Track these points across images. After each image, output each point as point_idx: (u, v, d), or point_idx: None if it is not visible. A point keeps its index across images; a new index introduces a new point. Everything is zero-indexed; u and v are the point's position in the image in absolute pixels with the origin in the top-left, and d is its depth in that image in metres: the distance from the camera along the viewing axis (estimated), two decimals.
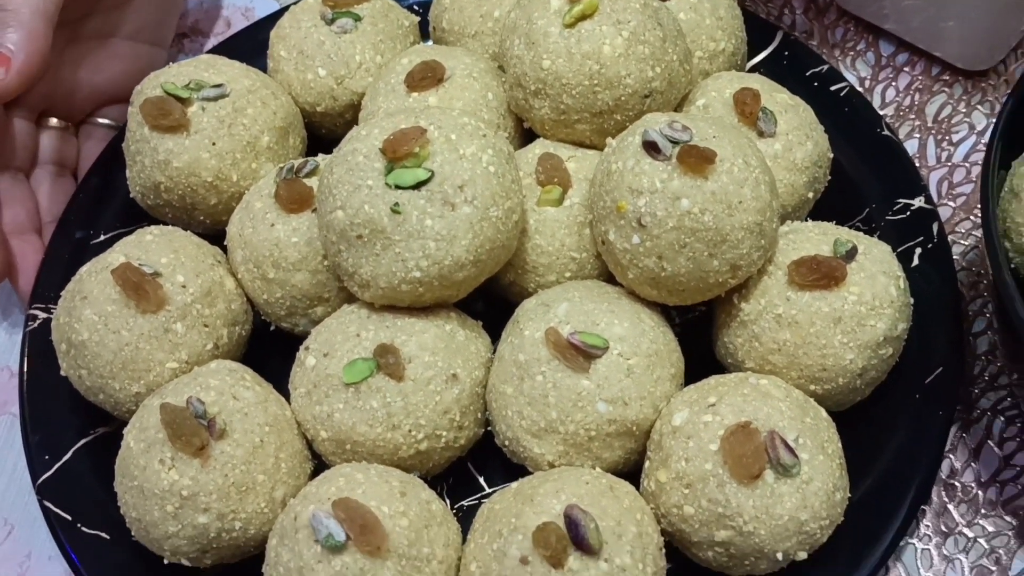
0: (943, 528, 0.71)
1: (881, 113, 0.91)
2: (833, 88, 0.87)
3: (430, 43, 0.90)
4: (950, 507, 0.72)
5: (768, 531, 0.61)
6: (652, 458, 0.65)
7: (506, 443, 0.69)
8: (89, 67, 0.91)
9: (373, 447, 0.67)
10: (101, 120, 0.94)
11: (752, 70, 0.89)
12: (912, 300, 0.70)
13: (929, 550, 0.70)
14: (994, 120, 0.73)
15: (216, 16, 1.05)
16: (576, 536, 0.59)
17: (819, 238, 0.69)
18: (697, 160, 0.63)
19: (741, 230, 0.64)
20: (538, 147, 0.76)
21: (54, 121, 0.91)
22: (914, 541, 0.71)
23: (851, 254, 0.68)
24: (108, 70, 0.92)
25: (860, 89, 0.93)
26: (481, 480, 0.75)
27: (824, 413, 0.65)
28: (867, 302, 0.66)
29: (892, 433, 0.71)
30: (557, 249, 0.72)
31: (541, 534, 0.58)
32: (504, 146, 0.70)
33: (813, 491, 0.61)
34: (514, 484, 0.65)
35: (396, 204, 0.65)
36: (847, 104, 0.86)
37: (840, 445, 0.65)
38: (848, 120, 0.85)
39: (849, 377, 0.67)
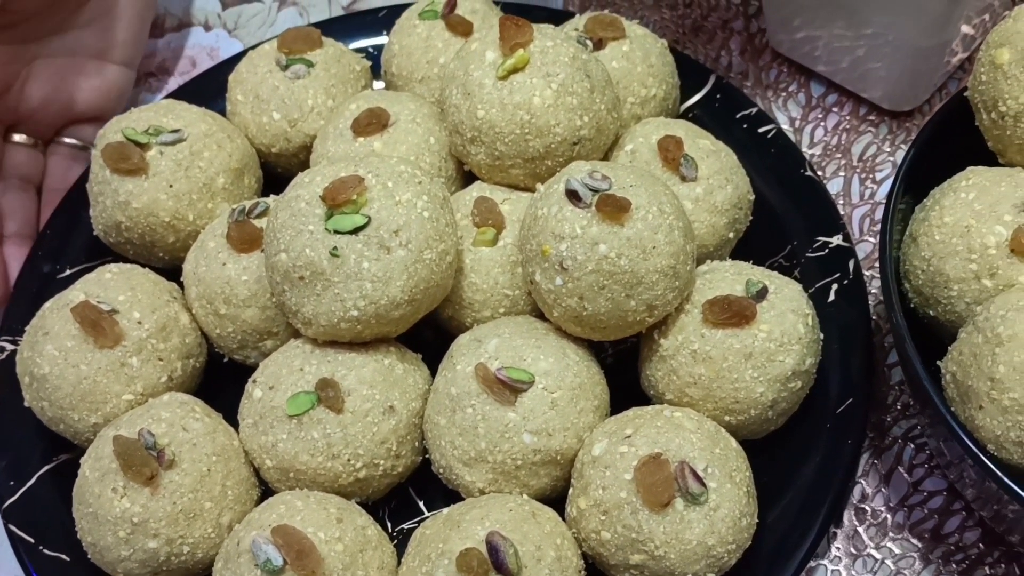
0: (852, 550, 0.76)
1: (809, 152, 0.96)
2: (761, 130, 0.91)
3: (382, 84, 0.95)
4: (860, 530, 0.76)
5: (678, 555, 0.65)
6: (575, 486, 0.70)
7: (441, 471, 0.73)
8: (56, 84, 0.94)
9: (315, 475, 0.71)
10: (67, 140, 0.98)
11: (687, 111, 0.94)
12: (822, 336, 0.75)
13: (839, 571, 0.75)
14: None
15: (182, 56, 1.10)
16: (496, 561, 0.63)
17: (733, 278, 0.74)
18: (613, 208, 0.68)
19: (655, 273, 0.69)
20: (475, 190, 0.80)
21: (20, 137, 0.95)
22: (825, 562, 0.76)
23: (761, 294, 0.72)
24: (76, 88, 0.95)
25: (791, 129, 0.98)
26: (421, 504, 0.79)
27: (734, 443, 0.70)
28: (776, 339, 0.71)
29: (804, 460, 0.75)
30: (491, 287, 0.77)
31: (464, 559, 0.63)
32: (439, 191, 0.74)
33: (720, 517, 0.66)
34: (446, 510, 0.70)
35: (335, 248, 0.69)
36: (773, 145, 0.90)
37: (749, 473, 0.70)
38: (774, 161, 0.89)
39: (760, 409, 0.72)
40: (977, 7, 0.86)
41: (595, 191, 0.69)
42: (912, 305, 0.72)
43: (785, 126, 0.98)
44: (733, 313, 0.71)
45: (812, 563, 0.75)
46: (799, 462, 0.76)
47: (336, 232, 0.70)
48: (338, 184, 0.71)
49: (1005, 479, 0.59)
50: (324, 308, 0.71)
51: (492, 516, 0.66)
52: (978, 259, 0.66)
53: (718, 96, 0.94)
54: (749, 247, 0.85)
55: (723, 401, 0.72)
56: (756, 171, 0.88)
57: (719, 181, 0.79)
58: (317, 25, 1.02)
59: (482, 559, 0.63)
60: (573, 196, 0.69)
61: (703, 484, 0.66)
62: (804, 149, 0.96)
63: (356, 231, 0.70)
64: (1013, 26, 0.68)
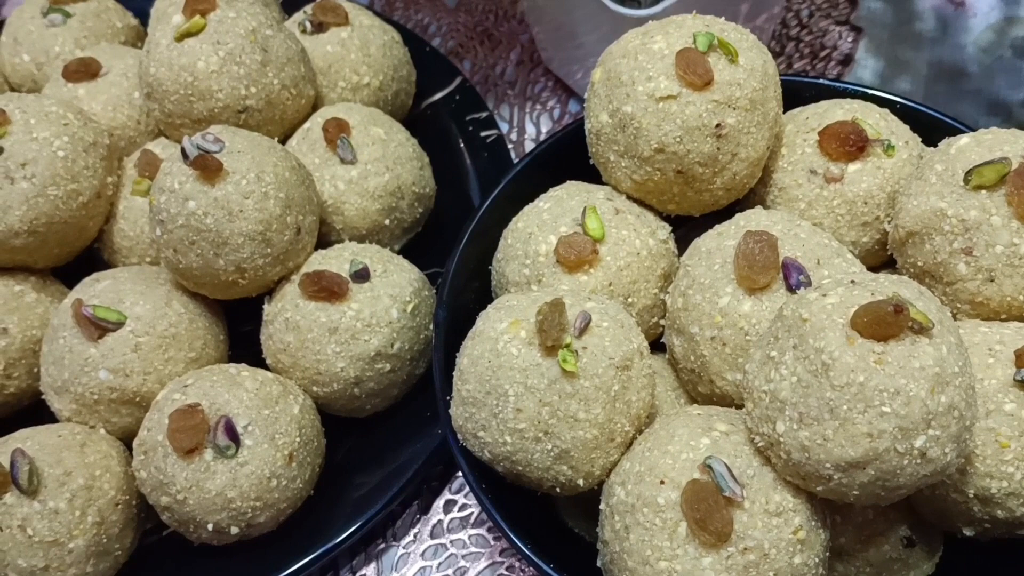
0: (428, 537, 0.77)
1: None
2: (483, 133, 0.94)
3: None
4: (443, 519, 0.78)
5: (197, 502, 0.68)
6: None
7: (43, 395, 0.77)
8: None
9: None
10: None
11: (428, 106, 0.97)
12: (429, 325, 0.77)
13: (408, 553, 0.77)
14: None
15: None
16: (13, 475, 0.67)
17: (343, 256, 0.76)
18: (205, 169, 0.71)
19: (241, 236, 0.72)
20: (151, 144, 0.84)
21: None
22: (399, 544, 0.77)
23: (361, 275, 0.75)
24: None
25: (534, 141, 1.00)
26: None
27: (295, 411, 0.72)
28: (364, 319, 0.73)
29: (400, 443, 0.77)
30: (137, 235, 0.81)
31: None
32: (91, 137, 0.79)
33: (246, 474, 0.68)
34: None
35: None
36: (489, 150, 0.93)
37: (305, 440, 0.72)
38: (485, 164, 0.92)
39: (344, 384, 0.74)
40: None
41: (205, 152, 0.73)
42: None
43: (532, 137, 1.00)
44: (321, 288, 0.73)
45: (384, 544, 0.77)
46: (394, 444, 0.78)
47: None
48: None
49: (463, 461, 0.61)
50: None
51: (36, 438, 0.70)
52: (531, 264, 0.68)
53: (457, 97, 0.97)
54: (444, 241, 0.87)
55: (308, 371, 0.74)
56: (469, 169, 0.92)
57: (377, 168, 0.82)
58: None
59: (3, 471, 0.67)
60: (184, 154, 0.73)
61: (235, 439, 0.68)
62: None
63: None
64: (610, 48, 0.70)
